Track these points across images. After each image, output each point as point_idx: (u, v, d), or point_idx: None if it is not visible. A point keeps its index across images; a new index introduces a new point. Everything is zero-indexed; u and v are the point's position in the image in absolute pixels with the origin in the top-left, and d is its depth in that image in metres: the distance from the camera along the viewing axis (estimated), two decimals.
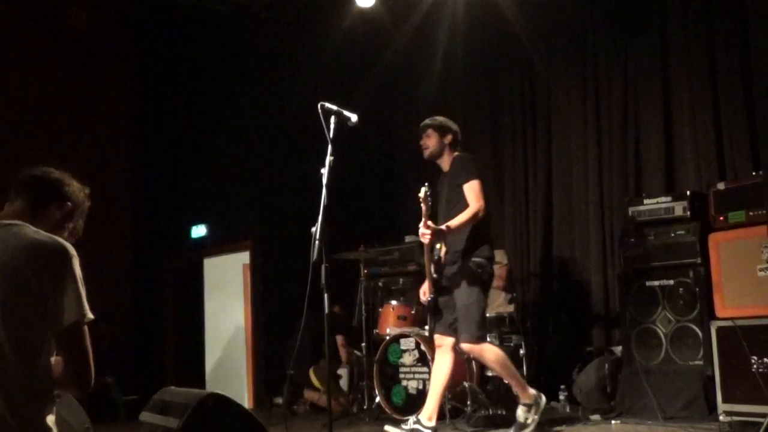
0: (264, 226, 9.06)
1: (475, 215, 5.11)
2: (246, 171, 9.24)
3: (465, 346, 5.19)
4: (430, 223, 4.97)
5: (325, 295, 4.21)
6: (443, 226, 5.04)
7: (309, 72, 8.36)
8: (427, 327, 5.36)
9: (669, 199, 5.97)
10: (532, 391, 5.32)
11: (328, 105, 4.46)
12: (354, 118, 4.63)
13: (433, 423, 5.19)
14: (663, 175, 6.79)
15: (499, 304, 7.00)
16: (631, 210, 6.13)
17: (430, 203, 4.92)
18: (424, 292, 5.35)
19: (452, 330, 5.26)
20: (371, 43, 8.50)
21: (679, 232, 5.84)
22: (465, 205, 5.17)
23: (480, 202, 5.14)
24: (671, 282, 5.81)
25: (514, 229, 7.95)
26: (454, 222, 5.08)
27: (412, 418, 5.28)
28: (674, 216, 5.90)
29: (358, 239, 7.26)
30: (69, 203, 2.77)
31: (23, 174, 2.75)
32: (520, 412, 5.30)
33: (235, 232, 9.39)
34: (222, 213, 9.61)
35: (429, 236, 4.98)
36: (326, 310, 4.22)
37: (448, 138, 5.45)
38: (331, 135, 4.39)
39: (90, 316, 2.50)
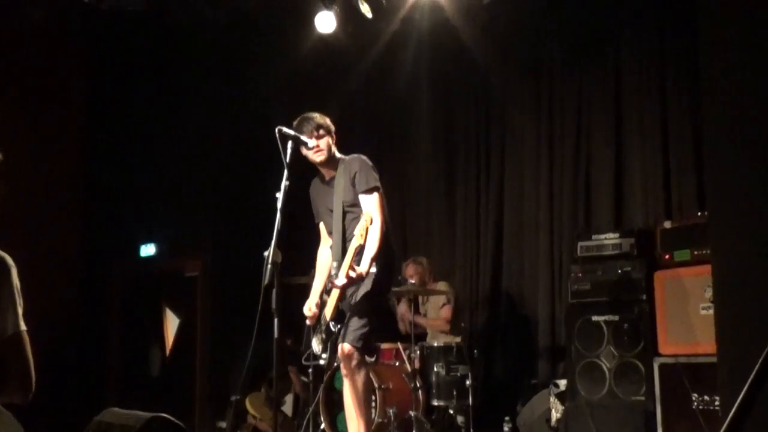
0: (215, 246, 8.98)
1: (383, 236, 4.67)
2: (199, 190, 9.14)
3: (344, 348, 4.71)
4: (353, 270, 4.51)
5: (275, 320, 4.18)
6: (354, 274, 4.54)
7: (267, 92, 8.32)
8: (324, 359, 4.86)
9: (617, 235, 6.05)
10: None
11: (285, 129, 4.44)
12: (311, 143, 4.71)
13: None
14: (612, 210, 6.89)
15: (445, 334, 7.08)
16: (580, 245, 6.20)
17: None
18: (313, 316, 4.94)
19: None
20: (331, 66, 8.49)
21: (625, 269, 5.88)
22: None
23: (381, 217, 4.70)
24: (616, 317, 5.82)
25: (464, 259, 7.94)
26: (367, 261, 4.57)
27: None
28: (621, 252, 5.96)
29: (311, 263, 7.21)
30: None
31: None
32: None
33: (186, 252, 9.30)
34: (173, 232, 9.51)
35: (346, 285, 4.63)
36: (275, 335, 4.19)
37: (334, 139, 4.94)
38: (288, 159, 4.35)
39: (24, 328, 2.50)
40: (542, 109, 7.57)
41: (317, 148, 4.81)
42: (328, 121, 4.92)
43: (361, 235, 4.43)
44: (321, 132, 4.82)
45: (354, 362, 4.76)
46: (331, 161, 4.92)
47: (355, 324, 4.73)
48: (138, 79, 9.57)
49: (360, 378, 4.81)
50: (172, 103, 9.36)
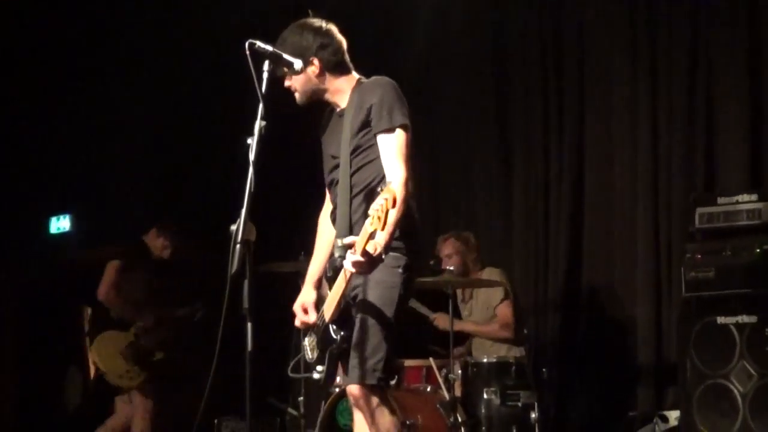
0: (162, 219, 8.92)
1: (406, 197, 4.39)
2: (138, 143, 9.20)
3: (352, 390, 4.56)
4: (370, 245, 4.14)
5: (249, 325, 4.15)
6: (377, 250, 4.20)
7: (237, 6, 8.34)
8: (319, 373, 4.70)
9: (754, 197, 6.06)
10: None
11: (260, 44, 4.31)
12: (298, 64, 4.53)
13: None
14: (746, 166, 6.90)
15: (499, 346, 7.13)
16: (699, 212, 6.20)
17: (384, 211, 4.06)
18: (306, 323, 4.84)
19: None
20: None
21: (767, 247, 5.88)
22: (379, 162, 4.55)
23: (407, 170, 4.46)
24: (754, 318, 5.84)
25: (527, 242, 8.03)
26: (386, 233, 4.19)
27: None
28: (762, 222, 5.98)
29: (298, 243, 7.15)
30: None
31: None
32: None
33: (119, 228, 9.30)
34: (98, 200, 9.53)
35: (364, 267, 4.27)
36: (249, 347, 4.17)
37: (318, 61, 4.69)
38: (264, 89, 4.25)
39: None
40: (639, 29, 7.55)
41: (292, 87, 4.76)
42: (304, 36, 4.69)
43: (379, 219, 4.03)
44: (282, 61, 4.48)
45: (372, 404, 4.58)
46: (327, 90, 4.79)
47: (367, 344, 4.51)
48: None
49: (384, 420, 4.63)
50: (100, 33, 9.35)
